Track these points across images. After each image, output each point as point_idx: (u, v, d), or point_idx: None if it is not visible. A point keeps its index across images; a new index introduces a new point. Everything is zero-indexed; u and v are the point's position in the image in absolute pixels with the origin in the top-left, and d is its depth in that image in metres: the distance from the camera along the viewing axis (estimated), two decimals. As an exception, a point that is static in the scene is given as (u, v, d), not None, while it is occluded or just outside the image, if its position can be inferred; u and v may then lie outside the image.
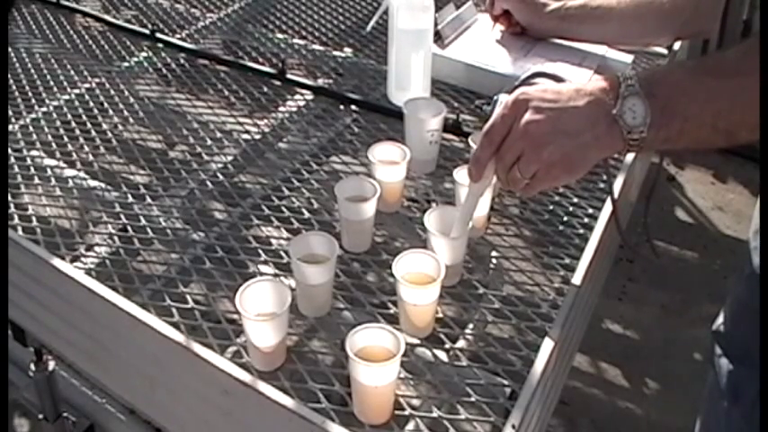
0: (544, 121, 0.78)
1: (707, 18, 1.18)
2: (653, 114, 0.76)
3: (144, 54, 1.47)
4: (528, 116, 0.78)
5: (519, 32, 1.37)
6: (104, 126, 1.26)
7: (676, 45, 1.41)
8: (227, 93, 1.35)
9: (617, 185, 1.10)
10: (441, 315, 0.89)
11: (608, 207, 1.05)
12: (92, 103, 1.32)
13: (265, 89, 1.35)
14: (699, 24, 1.21)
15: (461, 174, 0.99)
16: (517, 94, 0.80)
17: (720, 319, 1.20)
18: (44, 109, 1.29)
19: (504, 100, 0.83)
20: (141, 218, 1.04)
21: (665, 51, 1.47)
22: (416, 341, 0.86)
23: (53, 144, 1.20)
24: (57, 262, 0.93)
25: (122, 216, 1.04)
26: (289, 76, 1.37)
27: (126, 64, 1.44)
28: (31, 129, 1.23)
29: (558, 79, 0.96)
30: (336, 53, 1.49)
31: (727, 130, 0.77)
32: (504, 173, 0.82)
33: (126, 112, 1.30)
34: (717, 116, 0.76)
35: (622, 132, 0.77)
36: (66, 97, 1.32)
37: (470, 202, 0.88)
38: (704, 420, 1.25)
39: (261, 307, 0.82)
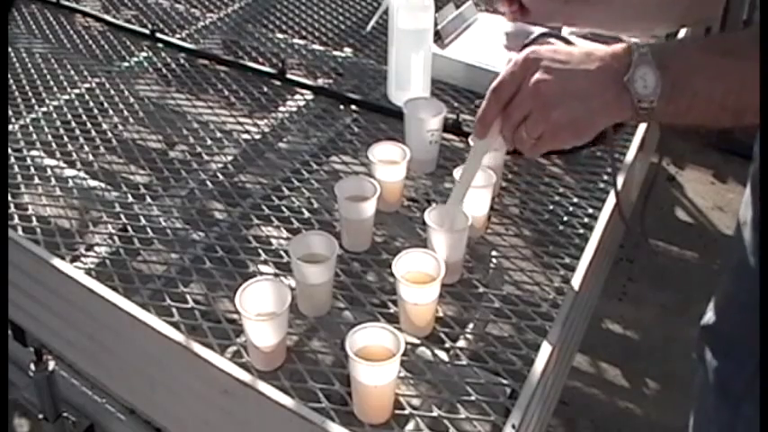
0: (555, 81, 0.77)
1: (710, 5, 1.17)
2: (664, 86, 0.75)
3: (144, 54, 1.47)
4: (538, 75, 0.77)
5: (520, 18, 1.33)
6: (104, 126, 1.26)
7: (680, 35, 1.40)
8: (227, 93, 1.35)
9: (617, 185, 1.10)
10: (441, 314, 0.89)
11: (608, 207, 1.05)
12: (92, 103, 1.32)
13: (265, 89, 1.35)
14: (702, 11, 1.21)
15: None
16: (528, 53, 0.79)
17: (708, 315, 1.20)
18: (44, 109, 1.29)
19: (509, 60, 0.81)
20: (141, 218, 1.04)
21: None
22: (416, 340, 0.86)
23: (53, 144, 1.20)
24: (57, 262, 0.93)
25: (122, 216, 1.04)
26: (289, 76, 1.37)
27: (126, 64, 1.44)
28: (31, 129, 1.23)
29: (566, 41, 0.94)
30: (336, 53, 1.49)
31: (734, 109, 0.76)
32: (509, 131, 0.81)
33: (126, 112, 1.30)
34: (726, 95, 0.75)
35: (632, 101, 0.76)
36: (66, 97, 1.32)
37: (474, 162, 0.87)
38: (695, 418, 1.25)
39: (261, 307, 0.82)
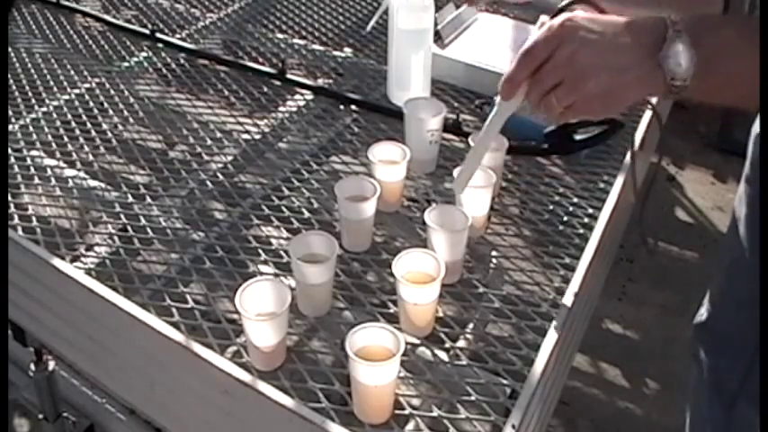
0: (591, 52, 0.76)
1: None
2: (697, 65, 0.74)
3: (144, 54, 1.47)
4: (575, 45, 0.76)
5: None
6: (104, 126, 1.26)
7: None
8: (227, 93, 1.35)
9: (617, 185, 1.10)
10: (441, 314, 0.89)
11: (608, 207, 1.05)
12: (92, 103, 1.32)
13: (265, 89, 1.35)
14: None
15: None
16: (564, 19, 0.78)
17: (701, 313, 1.20)
18: (44, 109, 1.29)
19: (545, 22, 0.80)
20: (141, 218, 1.04)
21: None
22: (416, 340, 0.86)
23: (53, 144, 1.20)
24: (57, 262, 0.93)
25: (122, 216, 1.04)
26: (289, 76, 1.37)
27: (126, 64, 1.44)
28: (31, 129, 1.23)
29: (597, 8, 0.93)
30: (336, 53, 1.49)
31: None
32: (538, 96, 0.80)
33: (126, 112, 1.30)
34: (757, 78, 0.74)
35: (665, 77, 0.75)
36: (66, 97, 1.32)
37: (495, 123, 0.86)
38: (691, 417, 1.25)
39: (261, 307, 0.82)
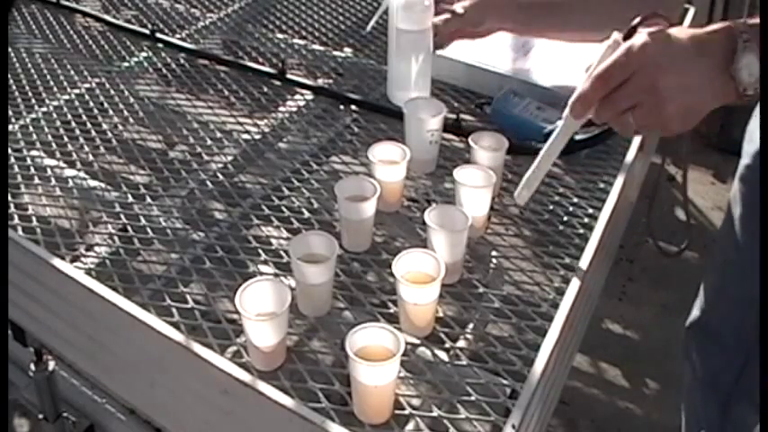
0: (671, 77, 0.78)
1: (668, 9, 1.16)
2: None
3: (144, 54, 1.47)
4: (653, 72, 0.78)
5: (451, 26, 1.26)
6: (104, 126, 1.26)
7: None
8: (227, 93, 1.35)
9: (617, 185, 1.10)
10: (441, 314, 0.89)
11: (608, 207, 1.05)
12: (92, 103, 1.32)
13: (265, 89, 1.35)
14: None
15: (461, 173, 0.99)
16: (642, 42, 0.79)
17: (694, 312, 1.20)
18: (44, 109, 1.29)
19: (617, 40, 0.83)
20: (141, 218, 1.04)
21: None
22: (416, 341, 0.86)
23: (53, 144, 1.20)
24: (57, 262, 0.93)
25: (122, 216, 1.04)
26: (289, 76, 1.37)
27: (126, 64, 1.44)
28: (31, 129, 1.23)
29: (668, 22, 0.94)
30: (336, 53, 1.49)
31: None
32: (612, 116, 0.82)
33: (126, 112, 1.30)
34: None
35: (738, 88, 0.77)
36: (66, 97, 1.32)
37: (561, 138, 0.89)
38: (686, 418, 1.26)
39: (261, 307, 0.82)
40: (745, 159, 1.10)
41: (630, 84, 0.80)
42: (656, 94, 0.79)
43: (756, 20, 0.78)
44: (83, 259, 0.97)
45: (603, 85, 0.81)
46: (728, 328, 1.13)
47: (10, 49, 1.45)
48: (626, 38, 0.85)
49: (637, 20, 0.87)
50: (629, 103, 0.81)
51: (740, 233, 1.08)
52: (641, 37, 0.80)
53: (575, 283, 0.92)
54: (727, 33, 0.79)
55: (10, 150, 1.17)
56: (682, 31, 0.81)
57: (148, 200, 1.08)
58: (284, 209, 1.06)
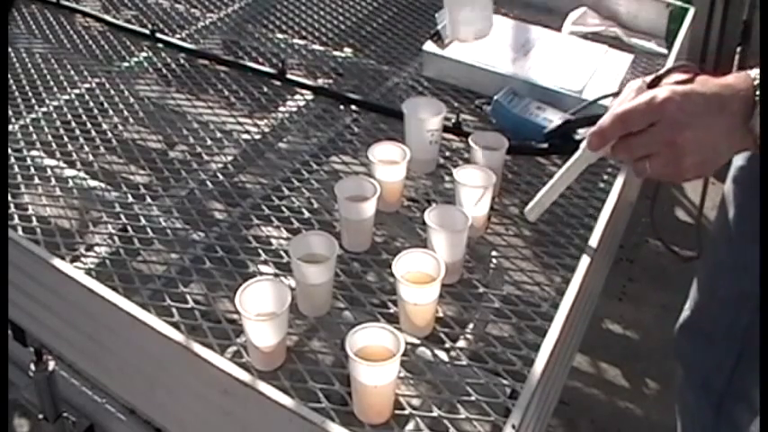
0: (689, 135, 0.80)
1: None
2: None
3: (144, 54, 1.47)
4: (675, 127, 0.80)
5: None
6: (104, 126, 1.26)
7: (675, 45, 1.40)
8: (227, 93, 1.35)
9: (617, 185, 1.10)
10: (441, 314, 0.89)
11: (608, 207, 1.05)
12: (92, 103, 1.32)
13: (265, 89, 1.35)
14: None
15: (461, 173, 0.99)
16: (666, 96, 0.81)
17: (685, 314, 1.20)
18: (44, 109, 1.29)
19: (642, 86, 0.85)
20: (141, 218, 1.04)
21: (664, 51, 1.47)
22: (416, 341, 0.86)
23: (53, 144, 1.20)
24: (57, 262, 0.93)
25: (122, 216, 1.04)
26: (289, 76, 1.37)
27: (126, 64, 1.44)
28: (31, 129, 1.23)
29: (695, 71, 0.96)
30: (336, 53, 1.49)
31: None
32: (628, 159, 0.85)
33: (126, 112, 1.30)
34: None
35: (756, 141, 0.79)
36: (66, 97, 1.32)
37: (577, 167, 0.91)
38: (682, 420, 1.26)
39: (261, 307, 0.82)
40: (739, 161, 1.10)
41: (649, 135, 0.82)
42: (675, 149, 0.81)
43: None
44: (83, 259, 0.97)
45: (622, 127, 0.84)
46: (720, 328, 1.13)
47: (10, 49, 1.45)
48: (652, 84, 0.87)
49: (665, 68, 0.88)
50: (646, 151, 0.83)
51: (732, 234, 1.08)
52: (665, 90, 0.82)
53: (575, 283, 0.91)
54: (748, 85, 0.80)
55: (10, 150, 1.17)
56: (705, 85, 0.83)
57: (148, 200, 1.08)
58: (284, 209, 1.06)
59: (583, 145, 0.90)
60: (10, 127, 1.22)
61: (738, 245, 1.08)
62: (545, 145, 1.17)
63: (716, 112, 0.81)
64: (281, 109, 1.32)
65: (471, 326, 0.90)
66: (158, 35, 1.49)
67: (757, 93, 0.79)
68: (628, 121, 0.83)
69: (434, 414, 0.78)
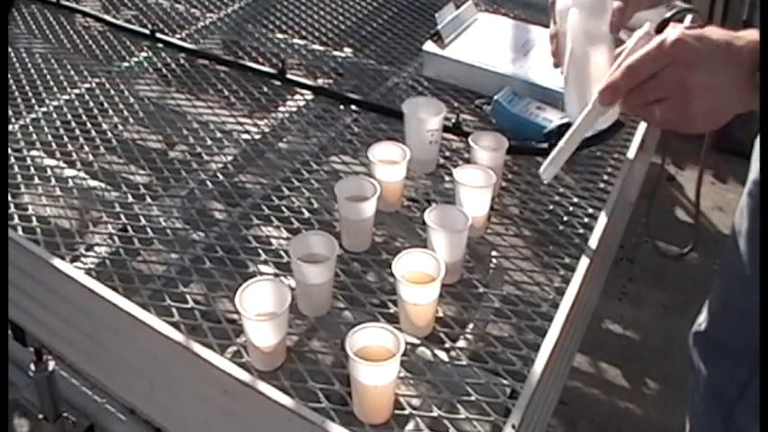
0: (698, 76, 0.79)
1: None
2: None
3: (144, 54, 1.47)
4: (684, 67, 0.79)
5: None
6: (104, 126, 1.26)
7: None
8: (227, 93, 1.35)
9: (617, 185, 1.10)
10: (441, 314, 0.89)
11: (608, 207, 1.05)
12: (92, 103, 1.32)
13: (265, 89, 1.35)
14: None
15: (461, 173, 0.99)
16: (676, 37, 0.79)
17: (700, 321, 1.20)
18: (44, 109, 1.29)
19: (650, 31, 0.83)
20: (141, 218, 1.04)
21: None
22: (416, 341, 0.86)
23: (53, 144, 1.20)
24: (57, 262, 0.93)
25: (122, 216, 1.04)
26: (289, 76, 1.37)
27: (126, 64, 1.44)
28: (31, 129, 1.23)
29: (702, 19, 0.95)
30: (336, 53, 1.49)
31: None
32: (639, 105, 0.83)
33: (126, 112, 1.30)
34: None
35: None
36: (66, 97, 1.32)
37: (588, 121, 0.88)
38: (691, 427, 1.25)
39: (261, 307, 0.82)
40: (752, 174, 1.10)
41: (660, 77, 0.80)
42: (684, 91, 0.79)
43: None
44: (83, 259, 0.97)
45: (634, 77, 0.82)
46: (733, 341, 1.13)
47: (10, 49, 1.45)
48: (659, 29, 0.85)
49: (672, 11, 0.87)
50: (657, 95, 0.81)
51: (744, 247, 1.08)
52: (675, 31, 0.80)
53: (575, 283, 0.92)
54: (754, 41, 0.79)
55: (10, 150, 1.17)
56: (715, 32, 0.82)
57: (148, 200, 1.08)
58: (284, 209, 1.06)
59: (593, 98, 0.87)
60: (10, 127, 1.22)
61: (750, 258, 1.07)
62: (545, 145, 1.17)
63: (724, 58, 0.79)
64: (281, 109, 1.32)
65: (471, 326, 0.90)
66: (158, 35, 1.49)
67: None
68: (639, 70, 0.81)
69: (434, 414, 0.78)
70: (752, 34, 0.80)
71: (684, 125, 0.82)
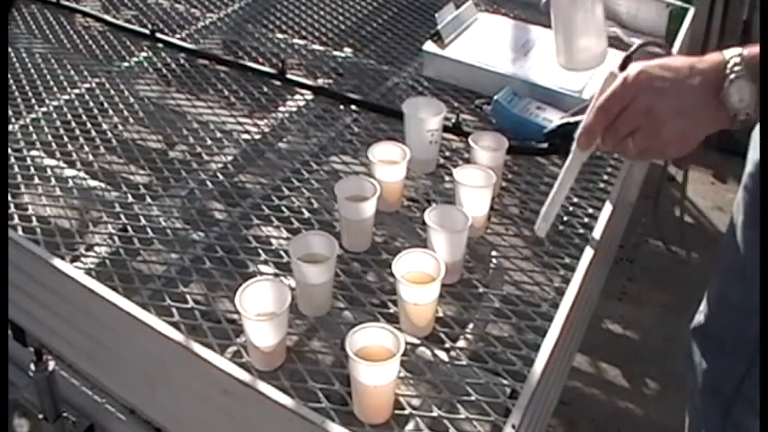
0: (666, 102, 0.81)
1: None
2: (760, 96, 0.78)
3: (144, 54, 1.47)
4: (650, 96, 0.82)
5: None
6: (104, 126, 1.26)
7: (675, 45, 1.41)
8: (227, 93, 1.35)
9: (617, 185, 1.10)
10: (441, 314, 0.89)
11: (608, 207, 1.05)
12: (92, 103, 1.32)
13: (265, 89, 1.35)
14: None
15: (461, 173, 0.99)
16: (639, 70, 0.82)
17: (698, 317, 1.20)
18: (44, 109, 1.29)
19: (613, 72, 0.86)
20: (141, 218, 1.04)
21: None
22: (416, 341, 0.86)
23: (53, 144, 1.20)
24: (57, 262, 0.93)
25: (122, 216, 1.04)
26: (289, 76, 1.37)
27: (126, 64, 1.44)
28: (31, 129, 1.23)
29: (665, 52, 0.97)
30: (336, 53, 1.49)
31: None
32: (615, 143, 0.86)
33: (126, 112, 1.30)
34: None
35: (729, 113, 0.80)
36: (66, 97, 1.32)
37: (572, 170, 0.92)
38: (689, 421, 1.25)
39: (261, 307, 0.82)
40: (748, 167, 1.10)
41: (629, 110, 0.83)
42: (654, 118, 0.82)
43: (755, 49, 0.80)
44: (83, 259, 0.97)
45: (605, 116, 0.85)
46: (730, 335, 1.13)
47: (10, 49, 1.45)
48: (622, 67, 0.88)
49: (632, 48, 0.89)
50: (629, 128, 0.84)
51: (741, 242, 1.08)
52: (637, 65, 0.83)
53: (575, 283, 0.92)
54: (721, 58, 0.81)
55: (10, 150, 1.17)
56: (677, 59, 0.85)
57: (148, 200, 1.08)
58: (284, 209, 1.06)
59: (573, 147, 0.91)
60: (10, 127, 1.22)
61: (746, 253, 1.07)
62: (545, 145, 1.17)
63: (688, 77, 0.81)
64: (281, 109, 1.32)
65: (471, 326, 0.90)
66: (158, 35, 1.50)
67: (728, 67, 0.79)
68: (608, 108, 0.84)
69: (434, 414, 0.78)
70: (713, 55, 0.82)
71: (659, 152, 0.86)
